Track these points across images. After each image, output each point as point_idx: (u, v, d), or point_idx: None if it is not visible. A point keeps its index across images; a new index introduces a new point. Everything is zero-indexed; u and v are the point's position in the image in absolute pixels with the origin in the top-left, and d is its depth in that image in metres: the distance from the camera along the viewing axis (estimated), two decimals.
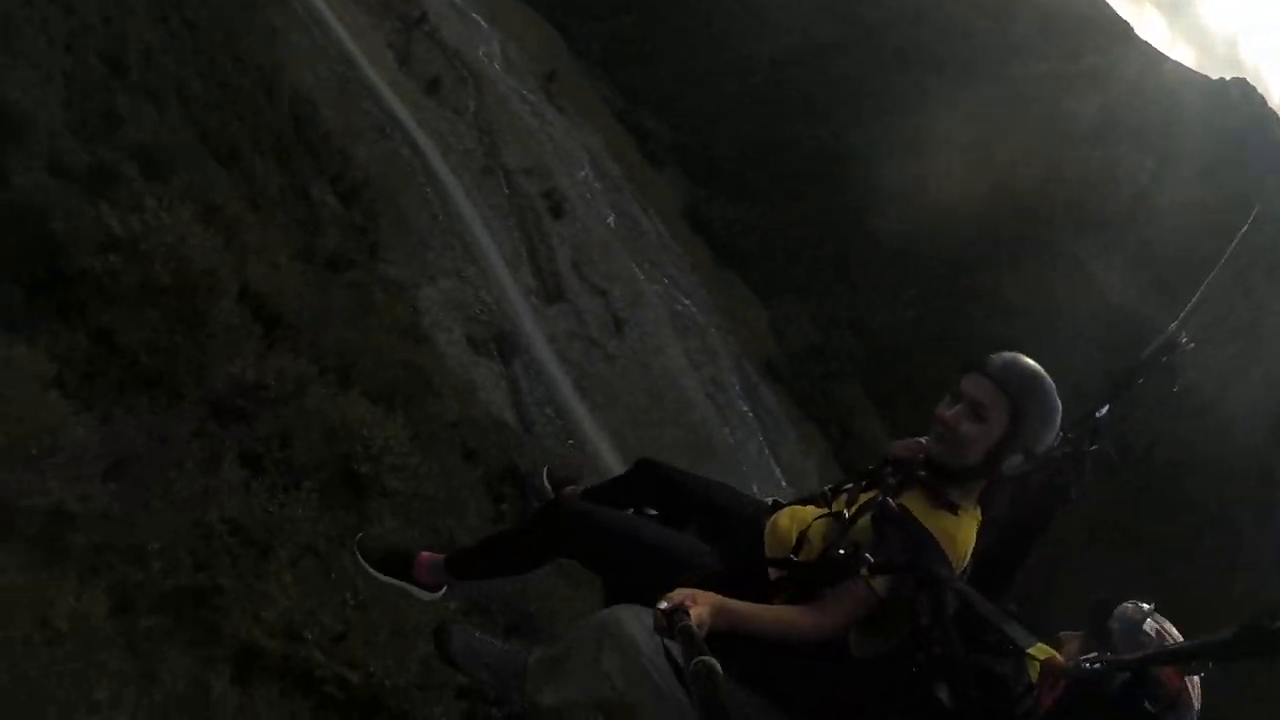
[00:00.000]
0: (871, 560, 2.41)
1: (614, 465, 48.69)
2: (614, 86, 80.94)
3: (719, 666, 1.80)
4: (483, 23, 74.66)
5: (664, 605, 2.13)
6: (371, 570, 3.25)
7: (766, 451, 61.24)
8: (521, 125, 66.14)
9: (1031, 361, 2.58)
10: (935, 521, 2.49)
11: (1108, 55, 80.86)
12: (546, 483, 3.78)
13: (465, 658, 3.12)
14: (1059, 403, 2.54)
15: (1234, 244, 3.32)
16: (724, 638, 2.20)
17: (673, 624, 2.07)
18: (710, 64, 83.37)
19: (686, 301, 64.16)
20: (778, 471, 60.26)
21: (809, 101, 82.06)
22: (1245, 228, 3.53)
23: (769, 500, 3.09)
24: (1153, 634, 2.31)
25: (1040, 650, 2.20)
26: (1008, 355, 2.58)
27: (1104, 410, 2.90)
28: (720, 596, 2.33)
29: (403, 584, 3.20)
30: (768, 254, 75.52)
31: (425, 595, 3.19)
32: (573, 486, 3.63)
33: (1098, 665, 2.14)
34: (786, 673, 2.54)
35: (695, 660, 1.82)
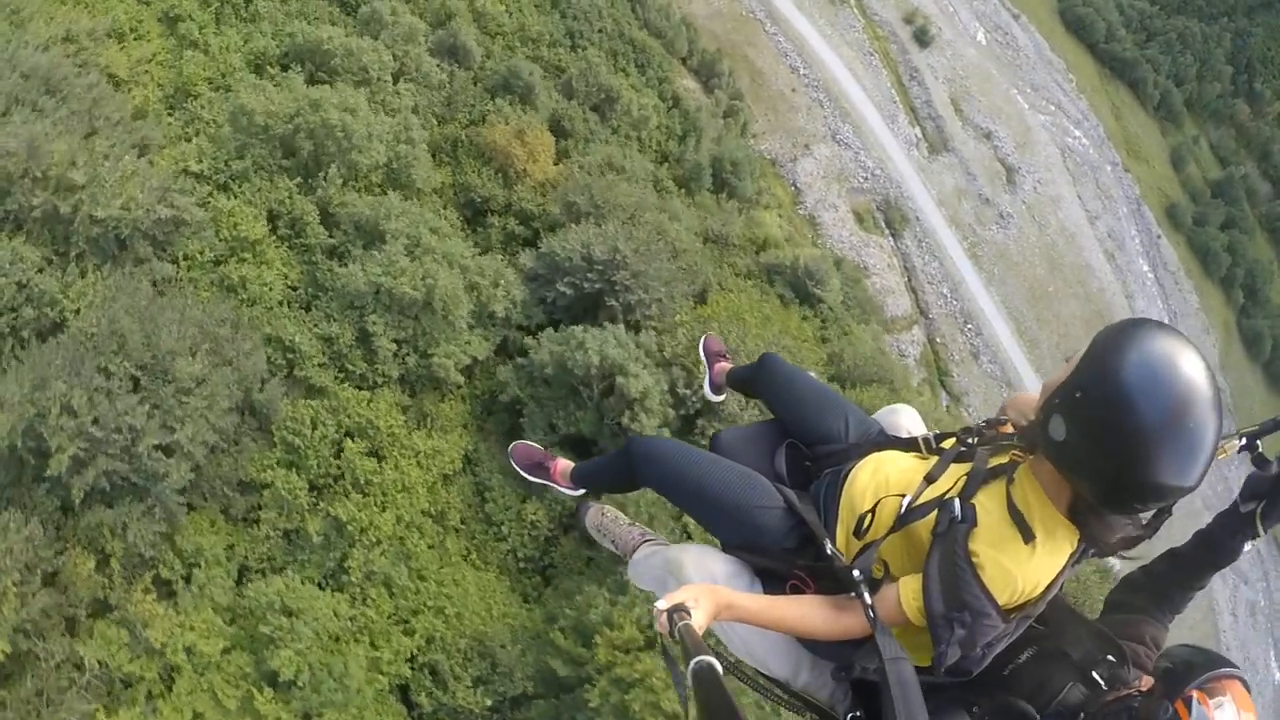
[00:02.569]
0: (870, 606, 2.42)
1: (1012, 352, 42.85)
2: None
3: (719, 665, 1.82)
4: None
5: (663, 605, 2.22)
6: (523, 473, 3.98)
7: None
8: None
9: (1168, 340, 2.06)
10: (995, 552, 2.32)
11: None
12: (702, 354, 4.39)
13: (595, 530, 3.91)
14: (1171, 399, 1.98)
15: None
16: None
17: (673, 624, 2.15)
18: None
19: (1077, 134, 53.40)
20: None
21: None
22: None
23: (876, 428, 3.16)
24: None
25: None
26: (1149, 322, 2.16)
27: None
28: (728, 591, 2.42)
29: (548, 483, 3.88)
30: (1156, 61, 60.84)
31: (567, 491, 3.86)
32: (723, 363, 4.26)
33: None
34: None
35: (696, 660, 1.84)
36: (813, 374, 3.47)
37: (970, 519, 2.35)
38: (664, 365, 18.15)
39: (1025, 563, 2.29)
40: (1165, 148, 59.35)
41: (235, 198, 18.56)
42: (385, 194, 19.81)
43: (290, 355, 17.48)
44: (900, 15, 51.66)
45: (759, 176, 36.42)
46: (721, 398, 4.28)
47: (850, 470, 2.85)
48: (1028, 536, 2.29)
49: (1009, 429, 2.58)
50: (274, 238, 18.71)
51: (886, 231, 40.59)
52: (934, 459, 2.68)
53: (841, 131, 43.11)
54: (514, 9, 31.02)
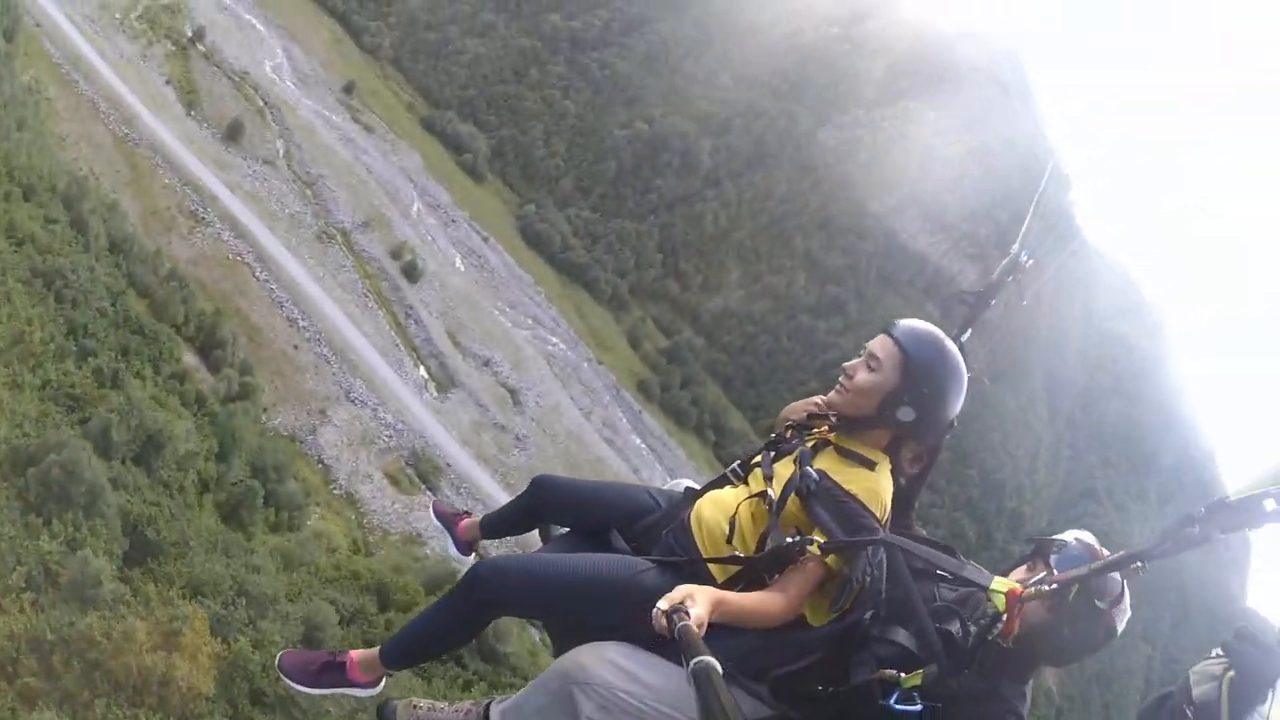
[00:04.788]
0: (821, 542, 2.61)
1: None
2: (412, 86, 71.77)
3: (719, 665, 1.86)
4: (259, 25, 61.69)
5: (663, 605, 2.19)
6: (303, 689, 3.19)
7: (669, 480, 60.72)
8: (338, 161, 56.54)
9: (934, 329, 2.89)
10: (858, 482, 2.74)
11: None
12: (438, 521, 3.93)
13: None
14: (959, 367, 2.83)
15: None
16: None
17: (672, 624, 2.13)
18: (510, 48, 76.51)
19: (555, 340, 60.37)
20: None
21: (619, 85, 78.52)
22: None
23: (681, 487, 3.27)
24: (1087, 554, 2.50)
25: (1001, 583, 2.41)
26: (913, 320, 2.90)
27: (967, 335, 3.41)
28: (718, 591, 2.47)
29: (341, 690, 3.16)
30: (603, 260, 72.83)
31: (366, 692, 3.15)
32: (468, 519, 3.76)
33: (1054, 585, 2.34)
34: (752, 647, 2.62)
35: (695, 660, 1.86)
36: None
37: (824, 475, 2.74)
38: None
39: (879, 480, 2.77)
40: (622, 333, 70.44)
41: None
42: None
43: None
44: (387, 250, 53.20)
45: (292, 467, 33.58)
46: (473, 556, 3.90)
47: (688, 517, 2.97)
48: (870, 465, 2.79)
49: (794, 429, 3.02)
50: None
51: (423, 487, 40.43)
52: (755, 471, 2.97)
53: (355, 389, 42.21)
54: (2, 303, 23.95)
